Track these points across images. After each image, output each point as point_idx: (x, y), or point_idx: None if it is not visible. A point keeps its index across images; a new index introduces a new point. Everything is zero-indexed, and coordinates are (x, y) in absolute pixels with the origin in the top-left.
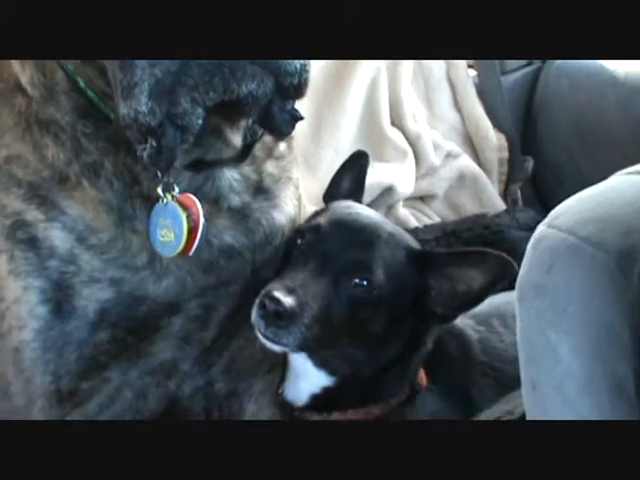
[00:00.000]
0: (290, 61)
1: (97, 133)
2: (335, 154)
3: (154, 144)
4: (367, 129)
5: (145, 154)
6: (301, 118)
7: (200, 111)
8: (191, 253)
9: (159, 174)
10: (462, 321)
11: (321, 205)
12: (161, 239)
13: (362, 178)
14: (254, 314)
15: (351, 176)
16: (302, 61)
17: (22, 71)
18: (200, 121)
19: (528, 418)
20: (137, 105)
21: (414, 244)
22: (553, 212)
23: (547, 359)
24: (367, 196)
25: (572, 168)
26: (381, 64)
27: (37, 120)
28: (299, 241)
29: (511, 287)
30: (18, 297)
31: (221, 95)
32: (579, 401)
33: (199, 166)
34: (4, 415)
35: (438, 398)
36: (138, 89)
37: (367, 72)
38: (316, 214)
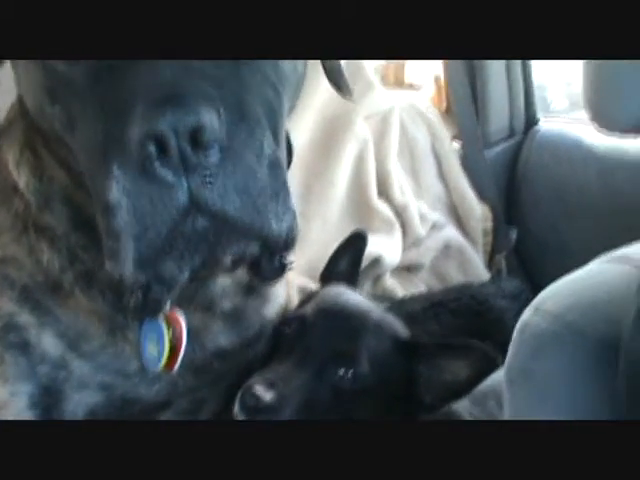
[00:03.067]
0: (271, 225)
1: (91, 244)
2: (323, 226)
3: (139, 297)
4: (355, 201)
5: (131, 304)
6: (289, 265)
7: (186, 273)
8: (174, 370)
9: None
10: (458, 403)
11: (308, 276)
12: (150, 353)
13: (358, 260)
14: (236, 407)
15: (348, 256)
16: (288, 221)
17: (18, 175)
18: (186, 276)
19: None
20: (122, 270)
21: (402, 332)
22: (539, 296)
23: None
24: None
25: (555, 238)
26: (368, 137)
27: (34, 224)
28: (286, 330)
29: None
30: (5, 402)
31: (207, 258)
32: None
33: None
34: None
35: None
36: (123, 257)
37: (354, 145)
38: (304, 301)
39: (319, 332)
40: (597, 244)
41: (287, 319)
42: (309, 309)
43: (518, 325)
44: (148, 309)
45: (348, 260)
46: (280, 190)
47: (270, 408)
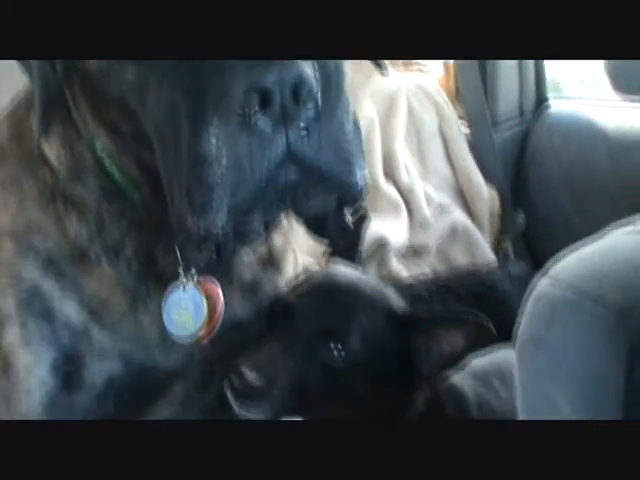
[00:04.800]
0: (356, 177)
1: (121, 215)
2: None
3: (213, 254)
4: None
5: (202, 261)
6: (350, 228)
7: (263, 227)
8: (206, 340)
9: (179, 258)
10: (463, 382)
11: (312, 255)
12: (178, 322)
13: (359, 236)
14: (226, 387)
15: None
16: (365, 175)
17: (49, 147)
18: (262, 231)
19: None
20: (210, 223)
21: (398, 306)
22: (553, 268)
23: (545, 412)
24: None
25: (563, 221)
26: (374, 116)
27: (62, 195)
28: (279, 309)
29: (505, 340)
30: (29, 367)
31: (287, 212)
32: None
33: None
34: None
35: None
36: (214, 209)
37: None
38: (300, 282)
39: (308, 310)
40: (606, 227)
41: (280, 298)
42: (301, 289)
43: (532, 296)
44: (219, 267)
45: (350, 237)
46: (360, 145)
47: (258, 391)
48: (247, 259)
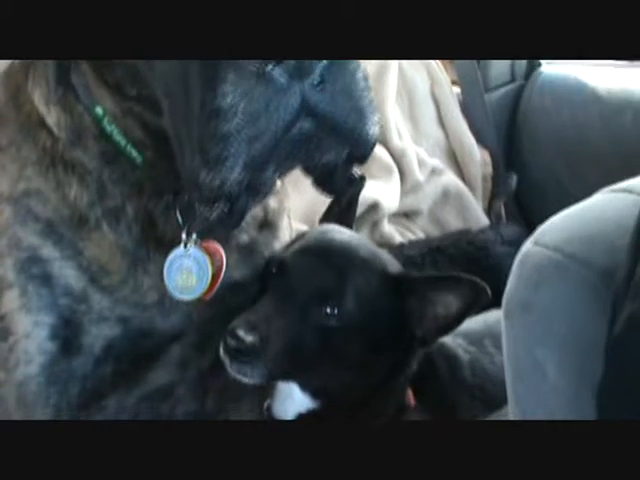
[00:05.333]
0: (369, 129)
1: (122, 178)
2: None
3: (225, 208)
4: None
5: (213, 216)
6: (357, 182)
7: (276, 179)
8: (208, 297)
9: (180, 220)
10: (454, 341)
11: (306, 222)
12: (180, 283)
13: (354, 200)
14: (220, 349)
15: (344, 199)
16: (376, 128)
17: (47, 111)
18: (273, 186)
19: None
20: (226, 176)
21: (392, 267)
22: (540, 229)
23: (533, 376)
24: None
25: (555, 184)
26: None
27: (62, 160)
28: (273, 270)
29: (499, 304)
30: (28, 332)
31: (299, 165)
32: (565, 417)
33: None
34: None
35: (425, 418)
36: (231, 162)
37: None
38: (293, 242)
39: (303, 271)
40: (598, 190)
41: (273, 259)
42: (294, 249)
43: (518, 258)
44: (230, 223)
45: (344, 202)
46: (372, 101)
47: (252, 350)
48: (244, 223)
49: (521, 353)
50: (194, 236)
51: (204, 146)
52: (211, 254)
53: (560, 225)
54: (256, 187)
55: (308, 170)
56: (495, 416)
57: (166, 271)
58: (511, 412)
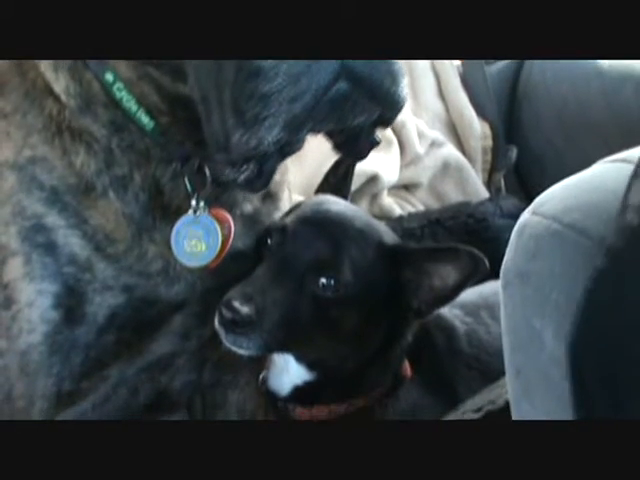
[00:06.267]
0: (401, 92)
1: (131, 146)
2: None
3: (254, 169)
4: None
5: (243, 177)
6: (377, 144)
7: (305, 139)
8: (215, 265)
9: (188, 188)
10: (450, 312)
11: (304, 194)
12: (188, 250)
13: (349, 171)
14: (215, 320)
15: (340, 170)
16: (406, 91)
17: (55, 79)
18: (302, 147)
19: (512, 406)
20: (264, 135)
21: (388, 238)
22: (537, 199)
23: (531, 346)
24: (352, 185)
25: (555, 157)
26: None
27: (69, 127)
28: (268, 241)
29: (497, 276)
30: (32, 301)
31: (333, 126)
32: (563, 386)
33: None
34: (5, 418)
35: (422, 390)
36: (271, 121)
37: None
38: (288, 212)
39: (298, 241)
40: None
41: (269, 229)
42: (289, 219)
43: (515, 228)
44: (260, 183)
45: (340, 173)
46: (401, 64)
47: (247, 321)
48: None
49: (519, 323)
50: (202, 203)
51: (240, 107)
52: (220, 221)
53: (558, 195)
54: (288, 147)
55: (331, 134)
56: (492, 387)
57: (174, 238)
58: (509, 383)
